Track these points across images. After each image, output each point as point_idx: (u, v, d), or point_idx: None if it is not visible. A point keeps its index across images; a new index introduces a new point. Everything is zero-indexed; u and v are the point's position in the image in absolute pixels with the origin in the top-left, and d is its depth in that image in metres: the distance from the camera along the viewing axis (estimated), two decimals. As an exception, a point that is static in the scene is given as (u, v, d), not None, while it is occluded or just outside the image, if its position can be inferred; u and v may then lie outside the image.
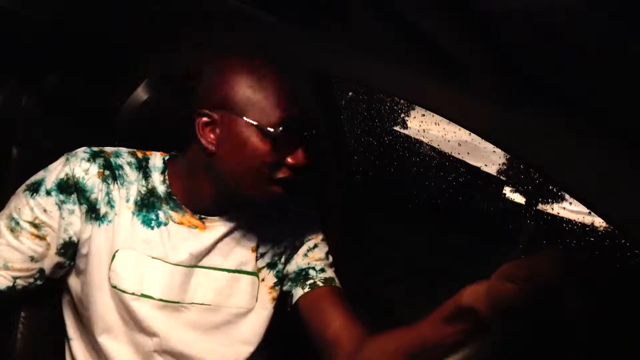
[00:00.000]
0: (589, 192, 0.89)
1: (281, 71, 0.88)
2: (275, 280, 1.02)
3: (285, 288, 1.02)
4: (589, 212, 0.89)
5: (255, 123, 0.84)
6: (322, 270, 1.02)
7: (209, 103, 0.87)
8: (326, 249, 1.07)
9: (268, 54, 0.89)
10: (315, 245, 1.05)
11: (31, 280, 0.88)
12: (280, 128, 0.85)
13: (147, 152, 0.98)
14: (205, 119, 0.86)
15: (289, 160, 0.87)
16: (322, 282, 0.99)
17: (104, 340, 0.89)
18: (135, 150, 0.98)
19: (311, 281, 0.99)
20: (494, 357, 0.64)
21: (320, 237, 1.07)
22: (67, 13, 1.52)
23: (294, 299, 0.99)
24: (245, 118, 0.85)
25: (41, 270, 0.88)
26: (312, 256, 1.03)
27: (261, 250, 1.01)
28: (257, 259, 1.00)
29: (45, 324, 1.00)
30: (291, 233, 1.05)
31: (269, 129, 0.84)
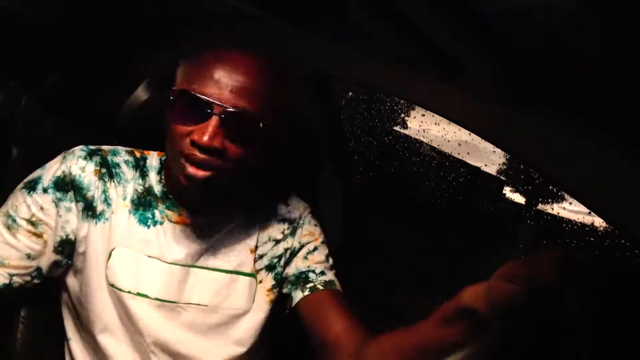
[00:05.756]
0: (589, 192, 0.89)
1: (232, 58, 0.83)
2: (273, 282, 1.01)
3: (284, 291, 1.02)
4: (589, 212, 0.89)
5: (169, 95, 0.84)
6: (322, 273, 1.01)
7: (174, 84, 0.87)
8: (326, 251, 1.06)
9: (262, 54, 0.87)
10: (315, 248, 1.04)
11: (28, 278, 0.87)
12: (172, 97, 0.83)
13: (145, 152, 0.98)
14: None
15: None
16: (322, 286, 0.98)
17: (103, 338, 0.89)
18: (133, 149, 0.98)
19: (311, 284, 0.98)
20: (494, 357, 0.64)
21: (321, 239, 1.06)
22: (67, 13, 1.52)
23: (294, 302, 0.99)
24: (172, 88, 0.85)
25: (38, 269, 0.88)
26: (312, 259, 1.02)
27: (260, 251, 1.00)
28: (255, 261, 0.99)
29: (44, 324, 1.00)
30: (291, 235, 1.04)
31: (171, 97, 0.83)
